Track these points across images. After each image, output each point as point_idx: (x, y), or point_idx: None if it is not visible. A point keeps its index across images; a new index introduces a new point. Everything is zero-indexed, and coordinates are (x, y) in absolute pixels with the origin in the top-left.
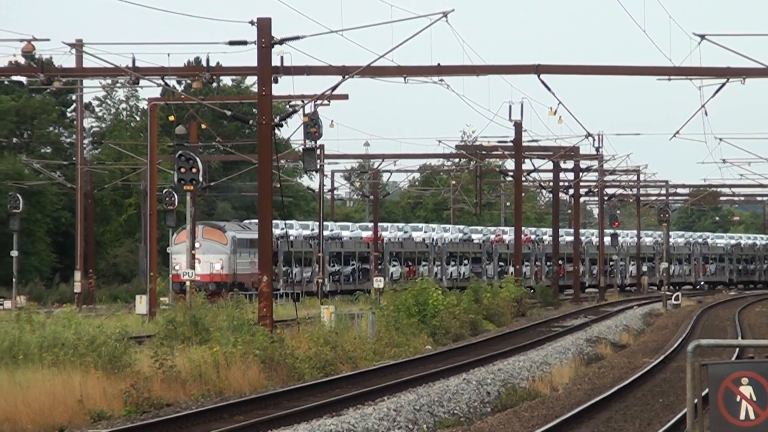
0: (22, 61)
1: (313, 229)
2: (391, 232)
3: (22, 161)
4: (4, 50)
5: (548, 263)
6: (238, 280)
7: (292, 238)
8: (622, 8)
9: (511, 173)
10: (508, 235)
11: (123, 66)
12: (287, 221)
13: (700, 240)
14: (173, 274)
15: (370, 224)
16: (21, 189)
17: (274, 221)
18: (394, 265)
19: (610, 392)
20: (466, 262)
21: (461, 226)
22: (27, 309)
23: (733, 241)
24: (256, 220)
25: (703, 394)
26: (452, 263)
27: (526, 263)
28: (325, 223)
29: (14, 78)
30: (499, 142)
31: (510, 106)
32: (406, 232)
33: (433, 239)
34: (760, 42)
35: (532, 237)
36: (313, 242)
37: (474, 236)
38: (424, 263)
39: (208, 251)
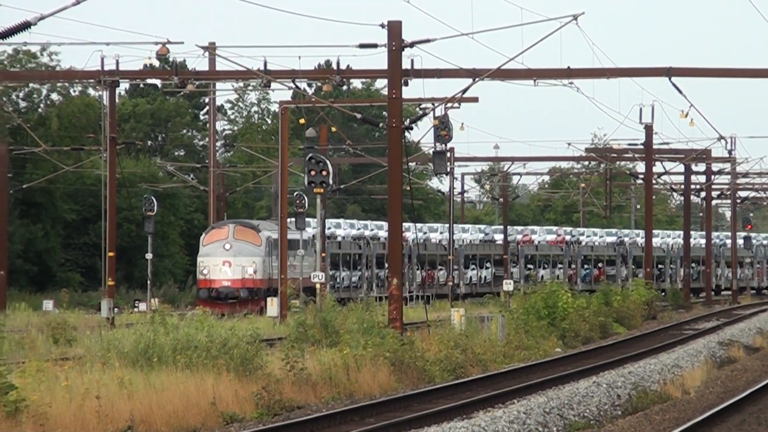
0: (156, 64)
1: (359, 229)
2: (412, 232)
3: (156, 164)
4: (139, 53)
5: (585, 266)
6: (274, 286)
7: (339, 238)
8: (755, 9)
9: (641, 176)
10: (538, 235)
11: (254, 69)
12: (332, 220)
13: (765, 242)
14: (200, 279)
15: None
16: (155, 191)
17: (312, 219)
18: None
19: (743, 395)
20: (488, 265)
21: (483, 226)
22: (161, 311)
23: None
24: (293, 219)
25: None
26: (471, 266)
27: (560, 265)
28: (351, 221)
29: (149, 81)
30: (630, 144)
31: (640, 109)
32: (424, 233)
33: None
34: None
35: (567, 238)
36: (362, 242)
37: (497, 237)
38: (440, 267)
39: (239, 253)
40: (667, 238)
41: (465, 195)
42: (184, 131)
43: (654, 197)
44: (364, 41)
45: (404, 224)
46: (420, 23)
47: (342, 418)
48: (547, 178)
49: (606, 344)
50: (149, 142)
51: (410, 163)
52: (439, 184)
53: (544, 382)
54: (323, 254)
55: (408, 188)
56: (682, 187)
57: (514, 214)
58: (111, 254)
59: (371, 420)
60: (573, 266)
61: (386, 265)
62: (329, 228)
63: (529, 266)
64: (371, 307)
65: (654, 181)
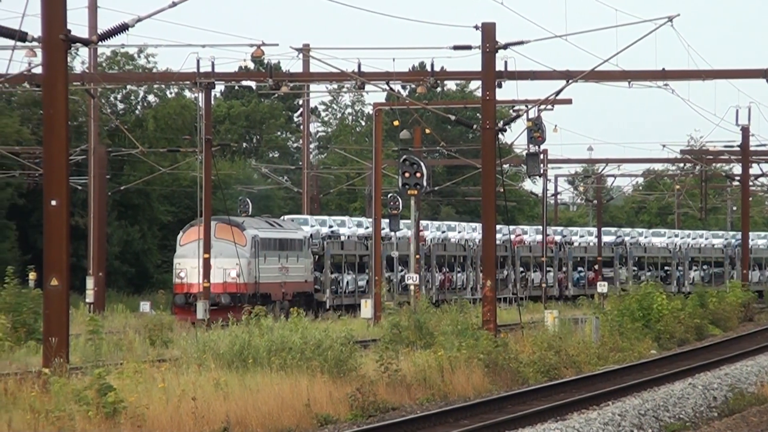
0: (251, 66)
1: (367, 227)
2: (431, 231)
3: (251, 166)
4: (235, 55)
5: (579, 269)
6: (262, 290)
7: (343, 238)
8: None
9: (737, 178)
10: (529, 235)
11: (349, 71)
12: (337, 217)
13: None
14: (176, 283)
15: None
16: (250, 193)
17: (312, 216)
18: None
19: None
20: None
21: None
22: (256, 313)
23: None
24: (289, 216)
25: None
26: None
27: (548, 268)
28: (358, 219)
29: (244, 83)
30: (725, 146)
31: (737, 111)
32: (443, 232)
33: (466, 240)
34: None
35: (557, 238)
36: (370, 243)
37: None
38: (458, 269)
39: (221, 254)
40: (674, 238)
41: (558, 197)
42: (279, 133)
43: (750, 199)
44: (458, 43)
45: (424, 222)
46: (513, 25)
47: (436, 420)
48: (641, 179)
49: (701, 346)
50: (244, 144)
51: (504, 165)
52: (532, 185)
53: (638, 383)
54: (417, 256)
55: (501, 190)
56: None
57: (608, 216)
58: (206, 256)
59: (466, 422)
60: (564, 269)
61: (399, 267)
62: (331, 227)
63: (521, 269)
64: (465, 308)
65: (751, 183)
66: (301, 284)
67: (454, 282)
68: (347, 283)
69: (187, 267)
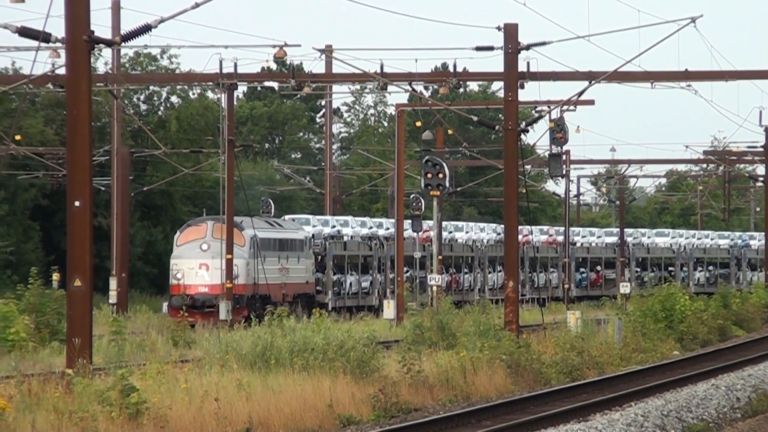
0: (274, 66)
1: (371, 227)
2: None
3: (273, 166)
4: (257, 56)
5: (581, 270)
6: (261, 292)
7: (346, 238)
8: None
9: (761, 179)
10: (534, 236)
11: (371, 72)
12: (340, 217)
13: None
14: (172, 285)
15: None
16: (272, 194)
17: (314, 216)
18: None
19: None
20: (499, 268)
21: (494, 225)
22: (278, 314)
23: None
24: (290, 216)
25: None
26: (489, 270)
27: (551, 269)
28: (362, 219)
29: (266, 84)
30: (749, 147)
31: (760, 111)
32: (450, 233)
33: (473, 241)
34: None
35: (559, 239)
36: (374, 243)
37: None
38: (465, 270)
39: (218, 254)
40: (678, 238)
41: (581, 198)
42: (301, 134)
43: None
44: (480, 44)
45: (429, 222)
46: (535, 25)
47: (459, 421)
48: (664, 180)
49: (725, 347)
50: (266, 145)
51: (526, 166)
52: (555, 186)
53: (661, 384)
54: (440, 257)
55: (524, 191)
56: None
57: (631, 216)
58: (228, 257)
59: (488, 422)
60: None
61: (405, 268)
62: (334, 226)
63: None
64: (488, 309)
65: None
66: (301, 285)
67: (461, 283)
68: (350, 284)
69: (184, 268)
